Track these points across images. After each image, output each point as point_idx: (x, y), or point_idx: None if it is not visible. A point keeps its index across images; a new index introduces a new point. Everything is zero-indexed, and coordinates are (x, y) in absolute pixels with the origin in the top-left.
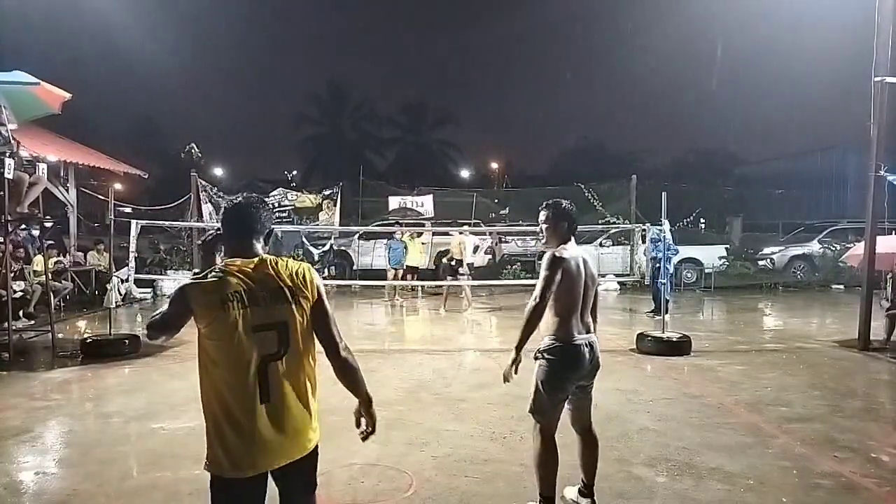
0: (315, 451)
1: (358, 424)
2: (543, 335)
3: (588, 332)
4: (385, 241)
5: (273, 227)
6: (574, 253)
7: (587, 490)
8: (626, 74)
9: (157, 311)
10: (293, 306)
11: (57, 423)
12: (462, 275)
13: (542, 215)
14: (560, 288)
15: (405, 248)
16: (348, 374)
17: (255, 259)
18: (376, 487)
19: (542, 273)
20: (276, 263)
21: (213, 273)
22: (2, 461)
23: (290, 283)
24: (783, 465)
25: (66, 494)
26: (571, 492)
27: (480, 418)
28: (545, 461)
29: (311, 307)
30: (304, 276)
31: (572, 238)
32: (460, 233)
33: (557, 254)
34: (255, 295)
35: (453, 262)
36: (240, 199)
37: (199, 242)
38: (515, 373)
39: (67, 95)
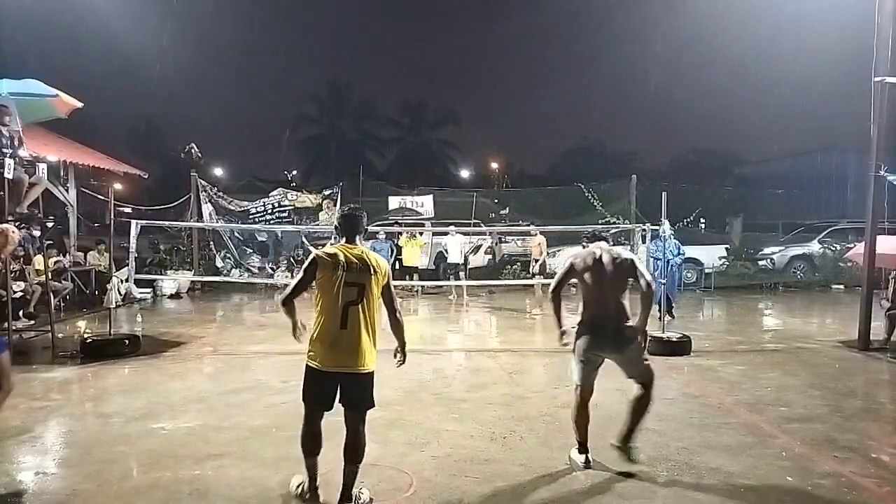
0: (368, 376)
1: (395, 357)
2: None
3: (611, 315)
4: (370, 242)
5: (367, 227)
6: (584, 253)
7: (626, 433)
8: (626, 74)
9: (288, 286)
10: (371, 277)
11: (57, 423)
12: (538, 275)
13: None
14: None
15: (391, 249)
16: (395, 327)
17: (356, 246)
18: (376, 487)
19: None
20: (369, 253)
21: (332, 248)
22: (2, 461)
23: (373, 265)
24: (783, 466)
25: (66, 494)
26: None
27: (480, 418)
28: (575, 416)
29: (382, 284)
30: (382, 264)
31: (591, 241)
32: (534, 234)
33: (569, 259)
34: (352, 265)
35: (531, 264)
36: (350, 208)
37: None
38: (563, 344)
39: (79, 104)
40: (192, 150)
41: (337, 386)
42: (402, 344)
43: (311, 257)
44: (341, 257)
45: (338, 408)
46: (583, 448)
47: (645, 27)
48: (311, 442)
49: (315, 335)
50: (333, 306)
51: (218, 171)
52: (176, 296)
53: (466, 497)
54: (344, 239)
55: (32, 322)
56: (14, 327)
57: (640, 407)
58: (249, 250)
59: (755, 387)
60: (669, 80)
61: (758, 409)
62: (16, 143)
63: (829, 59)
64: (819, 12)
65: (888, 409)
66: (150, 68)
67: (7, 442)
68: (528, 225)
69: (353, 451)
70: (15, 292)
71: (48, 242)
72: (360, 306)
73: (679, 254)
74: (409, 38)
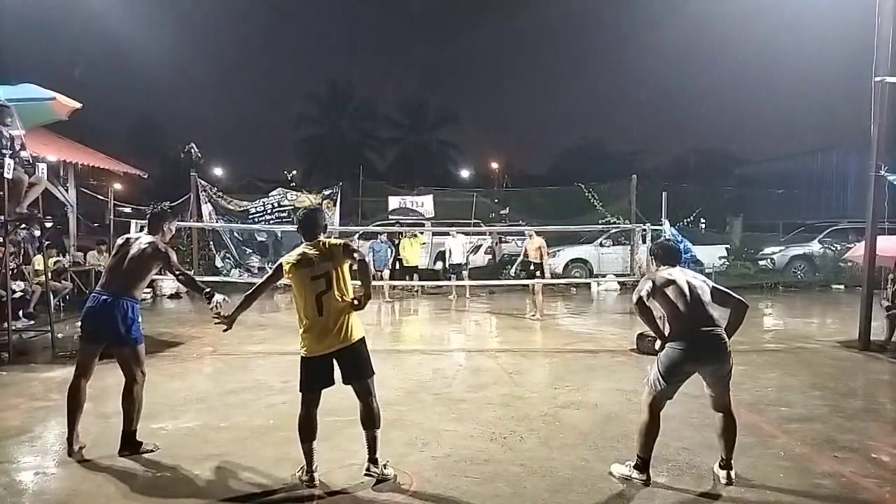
0: (358, 345)
1: (353, 301)
2: None
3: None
4: (369, 243)
5: (327, 223)
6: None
7: (725, 463)
8: (626, 74)
9: (259, 280)
10: (332, 263)
11: (57, 423)
12: (539, 279)
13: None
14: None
15: (390, 249)
16: (362, 273)
17: (316, 241)
18: (377, 487)
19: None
20: (326, 242)
21: (297, 251)
22: (2, 461)
23: (331, 251)
24: (784, 466)
25: (66, 494)
26: (617, 468)
27: (480, 419)
28: (646, 430)
29: (344, 259)
30: (337, 244)
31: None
32: (536, 234)
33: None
34: (313, 260)
35: (531, 267)
36: (306, 210)
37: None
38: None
39: (78, 105)
40: (192, 150)
41: (332, 364)
42: (366, 295)
43: (277, 263)
44: (304, 257)
45: (336, 409)
46: (645, 465)
47: (645, 27)
48: (308, 427)
49: (302, 329)
50: (308, 300)
51: (218, 171)
52: (175, 296)
53: (466, 497)
54: (304, 240)
55: (32, 322)
56: (14, 327)
57: (731, 435)
58: (249, 250)
59: (755, 387)
60: (670, 79)
61: (758, 409)
62: (16, 145)
63: (829, 59)
64: (819, 12)
65: (888, 409)
66: (151, 68)
67: (7, 442)
68: (525, 225)
69: (369, 419)
70: (15, 292)
71: (48, 242)
72: (331, 293)
73: (688, 255)
74: (409, 38)
